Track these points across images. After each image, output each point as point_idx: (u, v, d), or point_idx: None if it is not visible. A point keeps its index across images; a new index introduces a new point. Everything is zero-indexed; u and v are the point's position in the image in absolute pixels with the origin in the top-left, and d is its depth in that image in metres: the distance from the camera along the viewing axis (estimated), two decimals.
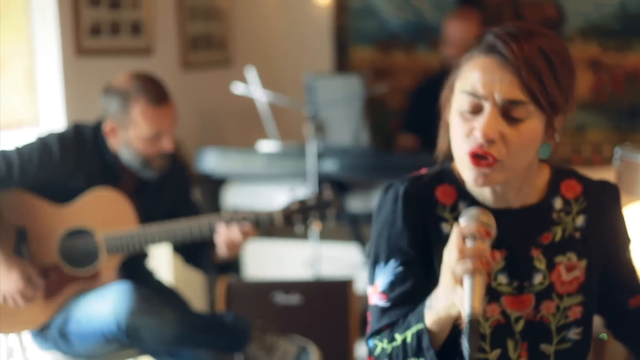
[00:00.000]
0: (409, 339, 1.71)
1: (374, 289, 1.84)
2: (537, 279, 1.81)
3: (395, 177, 4.19)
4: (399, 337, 1.74)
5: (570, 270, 1.82)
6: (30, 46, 3.90)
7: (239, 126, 5.32)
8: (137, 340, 2.94)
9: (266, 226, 3.10)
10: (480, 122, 1.67)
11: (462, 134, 1.70)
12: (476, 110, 1.68)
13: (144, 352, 3.12)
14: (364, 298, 4.28)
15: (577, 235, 1.84)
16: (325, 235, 4.23)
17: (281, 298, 3.72)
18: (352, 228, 4.26)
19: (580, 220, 1.85)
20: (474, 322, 1.52)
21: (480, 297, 1.55)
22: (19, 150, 2.99)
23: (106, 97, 3.11)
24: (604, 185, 1.90)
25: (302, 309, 3.71)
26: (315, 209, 3.09)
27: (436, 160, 1.89)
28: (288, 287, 3.73)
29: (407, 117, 4.88)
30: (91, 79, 4.10)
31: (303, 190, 3.97)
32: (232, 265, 3.36)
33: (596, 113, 5.01)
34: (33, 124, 3.90)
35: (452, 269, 1.59)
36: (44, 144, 3.05)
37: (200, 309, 4.13)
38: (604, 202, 1.88)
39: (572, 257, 1.83)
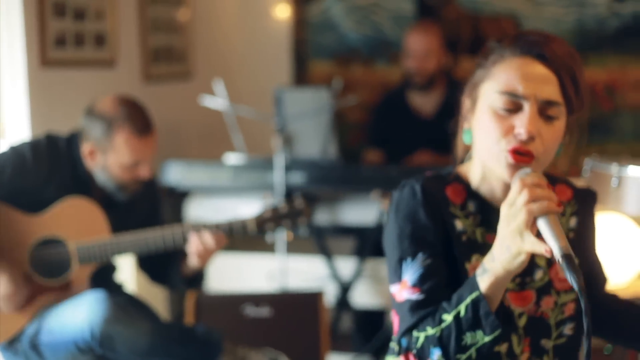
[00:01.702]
0: (462, 312, 1.71)
1: (401, 285, 1.85)
2: (538, 274, 1.90)
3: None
4: (449, 316, 1.73)
5: None
6: None
7: (203, 139, 5.31)
8: (110, 350, 2.91)
9: (239, 234, 3.10)
10: (522, 120, 1.74)
11: (498, 132, 1.76)
12: (513, 109, 1.76)
13: None
14: (333, 310, 4.30)
15: (571, 235, 1.97)
16: (291, 248, 4.23)
17: (251, 311, 3.71)
18: (318, 241, 4.26)
19: (573, 222, 1.98)
20: (568, 256, 1.53)
21: (562, 233, 1.57)
22: None
23: (89, 119, 3.09)
24: (588, 191, 2.05)
25: (272, 321, 3.71)
26: (287, 217, 3.11)
27: (455, 163, 1.97)
28: (258, 299, 3.72)
29: (372, 132, 4.91)
30: (55, 90, 4.06)
31: (276, 199, 3.98)
32: (201, 277, 3.34)
33: None
34: None
35: (526, 211, 1.59)
36: (16, 153, 3.03)
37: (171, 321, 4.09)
38: (589, 206, 2.02)
39: None
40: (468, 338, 1.71)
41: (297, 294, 3.80)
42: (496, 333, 1.68)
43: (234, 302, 3.73)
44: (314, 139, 4.22)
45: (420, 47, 4.58)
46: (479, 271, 1.70)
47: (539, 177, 1.65)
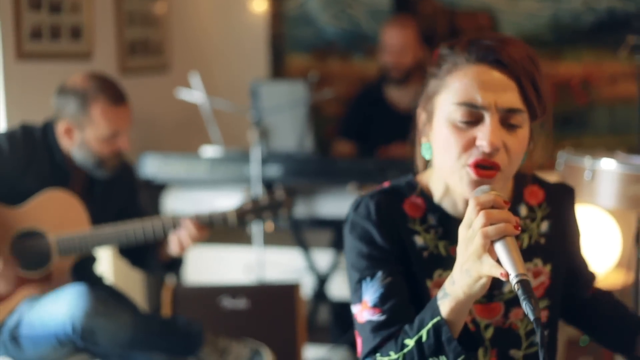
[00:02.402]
0: (424, 338, 1.62)
1: (362, 306, 1.78)
2: (507, 287, 1.83)
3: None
4: (411, 341, 1.65)
5: (536, 276, 1.87)
6: None
7: (179, 131, 5.30)
8: (91, 343, 2.91)
9: (219, 226, 3.11)
10: (483, 131, 1.65)
11: (459, 147, 1.67)
12: (473, 120, 1.67)
13: (96, 356, 3.09)
14: (310, 302, 4.31)
15: (542, 241, 1.89)
16: (268, 241, 4.25)
17: (228, 302, 3.72)
18: (295, 233, 4.28)
19: (544, 226, 1.90)
20: (523, 282, 1.44)
21: (519, 257, 1.48)
22: None
23: (62, 97, 3.09)
24: (563, 188, 1.96)
25: (249, 313, 3.72)
26: (268, 209, 3.12)
27: (416, 175, 1.89)
28: (234, 291, 3.73)
29: (344, 123, 4.93)
30: (32, 82, 4.05)
31: (256, 191, 3.99)
32: (179, 262, 3.36)
33: None
34: None
35: (481, 234, 1.50)
36: None
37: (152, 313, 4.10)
38: (564, 205, 1.93)
39: (538, 262, 1.87)
40: None
41: (274, 285, 3.81)
42: (460, 359, 1.61)
43: (211, 294, 3.73)
44: (291, 132, 4.24)
45: (396, 42, 4.61)
46: (439, 294, 1.62)
47: (496, 195, 1.55)
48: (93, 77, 3.13)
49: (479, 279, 1.53)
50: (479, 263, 1.51)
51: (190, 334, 3.11)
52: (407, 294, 1.77)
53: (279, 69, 5.49)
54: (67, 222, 3.06)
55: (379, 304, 1.75)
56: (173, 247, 3.08)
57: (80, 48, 4.40)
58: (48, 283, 3.04)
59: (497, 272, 1.48)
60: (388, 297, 1.75)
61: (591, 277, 2.02)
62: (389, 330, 1.73)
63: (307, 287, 4.29)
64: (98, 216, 3.14)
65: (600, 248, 4.02)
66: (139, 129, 4.93)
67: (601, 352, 3.86)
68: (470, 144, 1.66)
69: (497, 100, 1.65)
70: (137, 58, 4.95)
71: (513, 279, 1.46)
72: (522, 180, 1.90)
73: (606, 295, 2.03)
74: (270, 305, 3.73)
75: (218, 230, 3.25)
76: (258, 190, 4.00)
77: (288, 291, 3.74)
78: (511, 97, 1.65)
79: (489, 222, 1.51)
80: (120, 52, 4.77)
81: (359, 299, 1.80)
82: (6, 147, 3.02)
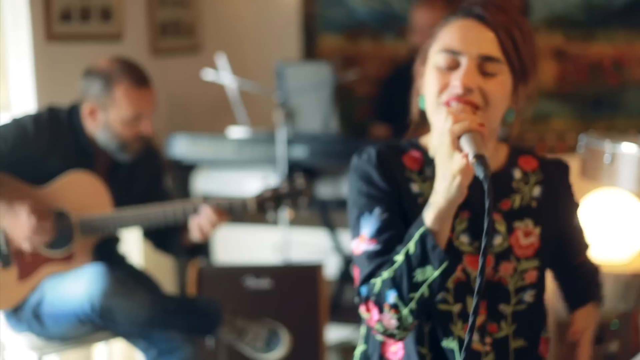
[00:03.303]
0: (411, 250, 1.75)
1: (360, 239, 1.89)
2: (497, 240, 1.93)
3: None
4: (399, 256, 1.77)
5: (527, 235, 1.96)
6: (1, 31, 3.90)
7: (209, 112, 5.34)
8: (110, 322, 2.97)
9: (239, 212, 3.14)
10: (457, 74, 1.81)
11: (437, 88, 1.83)
12: (453, 66, 1.82)
13: (116, 333, 3.16)
14: (334, 283, 4.34)
15: (534, 204, 1.99)
16: (295, 221, 4.28)
17: (252, 282, 3.76)
18: (322, 214, 4.31)
19: (536, 191, 2.00)
20: (479, 155, 1.60)
21: (480, 145, 1.63)
22: None
23: (87, 79, 3.14)
24: (558, 161, 2.08)
25: (273, 293, 3.75)
26: (287, 197, 3.14)
27: (409, 124, 2.01)
28: (258, 271, 3.77)
29: (378, 106, 4.93)
30: (61, 64, 4.11)
31: (276, 178, 4.02)
32: (201, 248, 3.40)
33: (560, 102, 5.10)
34: (4, 108, 3.90)
35: (448, 133, 1.66)
36: (18, 125, 3.08)
37: (174, 292, 4.16)
38: (558, 176, 2.05)
39: (529, 223, 1.97)
40: (419, 275, 1.74)
41: (297, 266, 3.84)
42: (444, 266, 1.72)
43: (235, 274, 3.77)
44: (316, 114, 4.26)
45: (425, 23, 4.59)
46: (425, 207, 1.75)
47: (464, 106, 1.74)
48: (118, 60, 3.18)
49: (454, 178, 1.67)
50: (450, 162, 1.67)
51: (208, 313, 3.15)
52: (403, 229, 1.85)
53: (311, 50, 5.50)
54: (90, 204, 3.11)
55: (376, 236, 1.86)
56: (194, 232, 3.12)
57: (111, 29, 4.45)
58: (70, 262, 3.10)
59: (464, 161, 1.64)
60: (384, 230, 1.86)
61: (583, 246, 2.15)
62: (383, 258, 1.84)
63: (333, 268, 4.32)
64: (121, 199, 3.18)
65: (626, 231, 3.98)
66: (168, 109, 4.98)
67: (630, 336, 3.83)
68: (446, 85, 1.82)
69: (474, 47, 1.81)
70: (168, 39, 4.99)
71: (471, 157, 1.61)
72: (518, 150, 2.04)
73: (589, 267, 2.19)
74: (294, 286, 3.77)
75: (241, 216, 3.28)
76: (282, 172, 4.03)
77: (311, 272, 3.77)
78: (488, 46, 1.81)
79: (455, 122, 1.68)
80: (151, 33, 4.81)
81: (357, 233, 1.91)
82: (32, 129, 3.07)
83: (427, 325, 1.90)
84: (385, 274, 1.78)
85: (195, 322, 3.14)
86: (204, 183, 4.49)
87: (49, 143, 3.09)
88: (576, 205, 2.09)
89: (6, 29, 3.91)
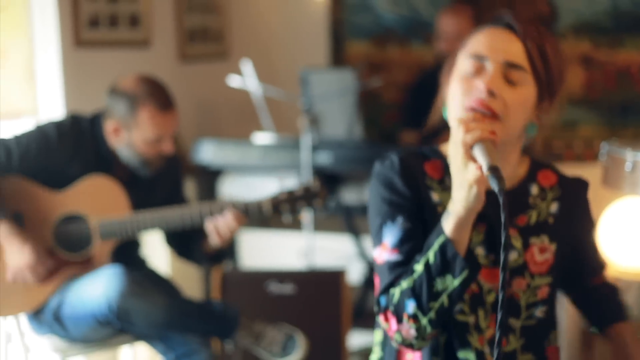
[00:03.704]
0: (431, 259, 1.75)
1: (382, 248, 1.89)
2: (513, 256, 1.93)
3: None
4: (419, 266, 1.77)
5: (542, 252, 1.95)
6: (29, 38, 3.96)
7: (235, 118, 5.38)
8: (128, 323, 3.01)
9: (255, 215, 3.16)
10: (482, 77, 1.80)
11: (461, 92, 1.82)
12: (479, 71, 1.82)
13: (135, 335, 3.19)
14: (356, 289, 4.36)
15: (550, 220, 1.98)
16: (319, 227, 4.30)
17: (275, 287, 3.78)
18: (346, 219, 4.32)
19: (554, 207, 1.99)
20: (493, 167, 1.60)
21: (493, 154, 1.64)
22: (17, 139, 3.07)
23: (113, 97, 3.18)
24: (577, 179, 2.07)
25: (295, 298, 3.77)
26: (302, 199, 3.16)
27: (426, 129, 2.01)
28: (282, 276, 3.79)
29: (405, 112, 4.94)
30: (89, 70, 4.16)
31: (292, 181, 4.04)
32: (224, 254, 3.42)
33: (588, 109, 5.08)
34: (32, 113, 3.96)
35: (461, 143, 1.67)
36: (41, 132, 3.13)
37: (197, 297, 4.19)
38: (576, 193, 2.04)
39: (545, 239, 1.96)
40: (438, 284, 1.75)
41: (320, 272, 3.85)
42: (464, 274, 1.72)
43: (259, 279, 3.80)
44: (341, 120, 4.27)
45: (451, 29, 4.59)
46: (444, 216, 1.76)
47: (476, 114, 1.75)
48: (144, 80, 3.20)
49: (471, 187, 1.68)
50: (465, 172, 1.67)
51: (226, 317, 3.17)
52: (424, 239, 1.86)
53: (338, 56, 5.52)
54: (108, 208, 3.15)
55: (398, 246, 1.87)
56: (212, 236, 3.14)
57: (139, 36, 4.50)
58: (89, 265, 3.14)
59: (478, 172, 1.64)
60: (406, 240, 1.86)
61: (599, 265, 2.12)
62: (404, 268, 1.84)
63: (357, 273, 4.33)
64: (141, 205, 3.22)
65: None
66: (196, 115, 5.02)
67: None
68: (470, 89, 1.81)
69: (500, 53, 1.81)
70: (197, 45, 5.04)
71: (485, 168, 1.61)
72: (538, 164, 2.03)
73: (608, 289, 2.13)
74: (316, 291, 3.78)
75: (257, 218, 3.30)
76: (307, 176, 4.05)
77: (334, 277, 3.78)
78: (514, 53, 1.81)
79: (467, 132, 1.68)
80: (179, 40, 4.86)
81: (379, 241, 1.91)
82: (54, 136, 3.12)
83: (443, 336, 1.90)
84: (405, 283, 1.79)
85: (213, 325, 3.16)
86: (230, 188, 4.52)
87: (70, 150, 3.14)
88: (593, 224, 2.08)
89: (35, 35, 3.97)
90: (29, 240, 3.01)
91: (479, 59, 1.81)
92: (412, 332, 1.79)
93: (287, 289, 3.77)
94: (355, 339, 4.26)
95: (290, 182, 3.30)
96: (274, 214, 3.17)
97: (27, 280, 3.05)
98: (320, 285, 3.80)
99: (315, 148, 4.16)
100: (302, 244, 4.33)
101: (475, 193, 1.67)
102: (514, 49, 1.80)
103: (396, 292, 1.80)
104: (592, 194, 2.11)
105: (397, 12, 5.35)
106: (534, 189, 1.99)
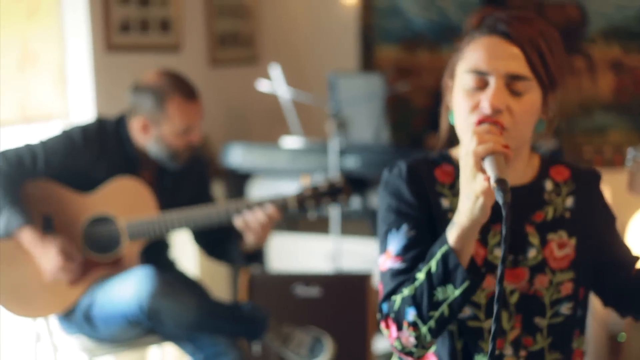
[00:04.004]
0: (433, 268, 1.74)
1: (386, 255, 1.88)
2: (531, 253, 1.91)
3: None
4: (421, 274, 1.76)
5: (561, 247, 1.93)
6: (61, 42, 4.02)
7: (264, 122, 5.41)
8: (158, 323, 3.04)
9: (280, 211, 3.18)
10: (486, 94, 1.78)
11: (467, 109, 1.80)
12: (481, 86, 1.80)
13: (164, 336, 3.22)
14: None
15: (567, 214, 1.96)
16: (346, 230, 4.32)
17: (301, 290, 3.80)
18: (373, 223, 4.33)
19: (569, 202, 1.97)
20: (500, 180, 1.59)
21: (502, 168, 1.63)
22: (43, 143, 3.12)
23: (138, 94, 3.22)
24: (590, 171, 2.04)
25: (322, 301, 3.79)
26: (327, 195, 3.19)
27: (437, 142, 2.01)
28: (308, 279, 3.81)
29: (434, 116, 4.93)
30: (120, 74, 4.21)
31: (316, 177, 4.06)
32: (257, 255, 3.43)
33: (618, 114, 5.06)
34: (63, 117, 4.01)
35: (472, 154, 1.66)
36: (67, 137, 3.17)
37: (225, 299, 4.23)
38: (590, 185, 2.01)
39: (563, 234, 1.94)
40: (439, 293, 1.73)
41: (346, 275, 3.87)
42: (465, 285, 1.71)
43: (285, 282, 3.82)
44: (368, 124, 4.29)
45: None
46: (449, 226, 1.74)
47: (490, 126, 1.72)
48: (166, 74, 3.25)
49: (477, 199, 1.66)
50: (474, 183, 1.66)
51: (254, 319, 3.20)
52: (429, 247, 1.85)
53: (368, 61, 5.54)
54: (136, 209, 3.19)
55: (401, 253, 1.85)
56: (247, 235, 3.17)
57: (169, 40, 4.55)
58: (118, 266, 3.18)
59: (485, 183, 1.63)
60: (410, 248, 1.85)
61: (633, 259, 2.03)
62: (406, 276, 1.82)
63: None
64: (167, 205, 3.25)
65: None
66: (225, 119, 5.07)
67: None
68: (476, 106, 1.80)
69: (501, 67, 1.78)
70: (227, 50, 5.08)
71: (492, 181, 1.60)
72: (549, 161, 2.02)
73: None
74: (342, 295, 3.80)
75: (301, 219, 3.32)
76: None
77: (360, 281, 3.79)
78: (516, 65, 1.79)
79: (480, 143, 1.67)
80: (209, 44, 4.90)
81: (384, 249, 1.90)
82: (80, 139, 3.17)
83: (460, 342, 1.89)
84: (406, 291, 1.78)
85: (241, 327, 3.19)
86: (258, 191, 4.55)
87: (96, 153, 3.18)
88: (612, 216, 2.03)
89: (67, 39, 4.03)
90: (52, 243, 3.05)
91: (480, 74, 1.79)
92: (412, 340, 1.78)
93: (314, 292, 3.79)
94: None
95: (316, 179, 3.31)
96: (300, 210, 3.19)
97: (61, 281, 3.09)
98: (347, 288, 3.81)
99: (343, 152, 4.18)
100: (329, 248, 4.35)
101: (481, 205, 1.66)
102: (513, 58, 1.78)
103: (397, 299, 1.80)
104: (619, 200, 2.08)
105: (427, 16, 5.36)
106: (548, 185, 1.97)
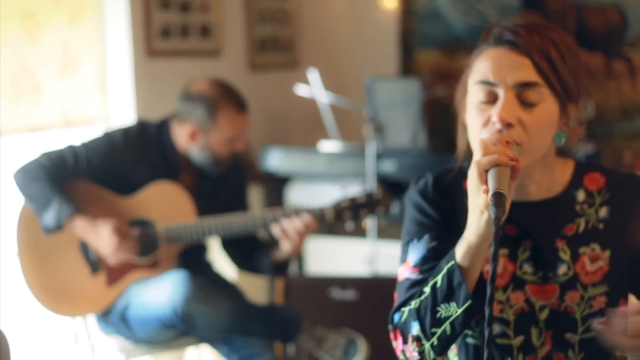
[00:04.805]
0: (439, 283, 1.69)
1: (405, 265, 1.85)
2: (562, 269, 1.84)
3: None
4: (427, 288, 1.72)
5: (594, 261, 1.86)
6: (102, 47, 4.08)
7: (303, 126, 5.44)
8: (192, 327, 3.09)
9: (318, 221, 3.21)
10: (496, 108, 1.72)
11: (479, 125, 1.74)
12: (491, 99, 1.74)
13: (199, 338, 3.26)
14: None
15: (601, 226, 1.88)
16: (383, 234, 4.33)
17: (337, 293, 3.82)
18: None
19: (603, 212, 1.89)
20: (497, 193, 1.53)
21: (504, 182, 1.55)
22: (85, 145, 3.18)
23: (189, 102, 3.27)
24: (629, 177, 1.94)
25: (357, 304, 3.80)
26: (365, 207, 3.20)
27: (457, 159, 1.94)
28: (344, 283, 3.83)
29: None
30: (160, 79, 4.27)
31: (354, 188, 4.07)
32: (285, 266, 3.45)
33: None
34: (104, 121, 4.08)
35: (476, 165, 1.59)
36: (109, 139, 3.23)
37: (261, 301, 4.26)
38: (628, 193, 1.91)
39: (596, 247, 1.86)
40: (442, 310, 1.69)
41: (382, 278, 3.88)
42: (467, 304, 1.65)
43: (322, 285, 3.84)
44: (405, 128, 4.30)
45: None
46: (459, 241, 1.69)
47: (499, 136, 1.65)
48: (218, 84, 3.30)
49: (482, 213, 1.60)
50: (478, 196, 1.59)
51: (288, 321, 3.23)
52: None
53: (408, 66, 5.54)
54: (174, 213, 3.24)
55: (420, 264, 1.82)
56: (281, 240, 3.19)
57: (210, 45, 4.60)
58: (155, 269, 3.23)
59: (484, 195, 1.56)
60: (429, 260, 1.81)
61: None
62: (420, 287, 1.77)
63: None
64: (205, 210, 3.30)
65: None
66: (265, 123, 5.10)
67: None
68: (487, 122, 1.74)
69: (509, 76, 1.72)
70: (267, 55, 5.12)
71: (490, 194, 1.54)
72: (584, 167, 1.93)
73: None
74: (378, 298, 3.80)
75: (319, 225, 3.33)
76: (372, 184, 4.09)
77: (395, 285, 3.79)
78: (524, 73, 1.72)
79: (485, 154, 1.59)
80: (249, 49, 4.95)
81: (404, 259, 1.87)
82: (121, 142, 3.22)
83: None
84: (413, 303, 1.74)
85: (275, 329, 3.22)
86: (297, 195, 4.58)
87: (137, 156, 3.23)
88: None
89: (108, 45, 4.09)
90: (106, 224, 3.08)
91: (489, 84, 1.73)
92: (415, 355, 1.74)
93: (349, 295, 3.81)
94: None
95: (354, 190, 3.32)
96: (337, 221, 3.21)
97: (122, 261, 3.14)
98: (383, 292, 3.79)
99: (380, 156, 4.20)
100: (366, 251, 4.37)
101: (486, 219, 1.60)
102: (522, 67, 1.72)
103: (405, 310, 1.76)
104: None
105: (467, 21, 5.36)
106: (581, 195, 1.89)
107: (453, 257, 1.68)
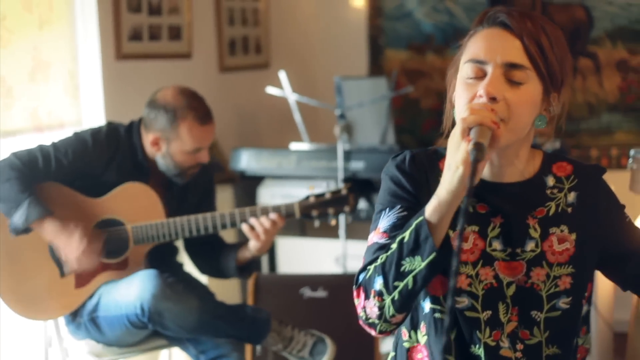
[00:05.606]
0: (406, 238, 1.75)
1: (375, 231, 1.90)
2: (530, 246, 1.91)
3: None
4: (394, 244, 1.77)
5: (561, 241, 1.92)
6: (73, 51, 4.09)
7: (274, 127, 5.47)
8: (160, 326, 3.09)
9: (285, 218, 3.24)
10: (483, 83, 1.80)
11: (466, 100, 1.82)
12: (479, 75, 1.82)
13: (167, 339, 3.28)
14: None
15: (569, 210, 1.95)
16: (353, 233, 4.37)
17: (308, 292, 3.84)
18: None
19: (571, 197, 1.96)
20: (478, 144, 1.64)
21: (486, 138, 1.67)
22: (54, 145, 3.19)
23: (153, 110, 3.28)
24: (594, 167, 2.02)
25: (328, 303, 3.82)
26: (331, 205, 3.24)
27: (441, 135, 1.99)
28: (315, 281, 3.85)
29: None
30: (131, 82, 4.28)
31: (322, 187, 4.11)
32: (253, 266, 3.48)
33: (624, 114, 5.09)
34: (76, 124, 4.09)
35: (461, 121, 1.69)
36: (78, 139, 3.24)
37: (232, 301, 4.28)
38: (593, 180, 1.99)
39: (565, 229, 1.93)
40: (407, 264, 1.74)
41: (353, 276, 3.90)
42: (431, 257, 1.72)
43: (292, 284, 3.86)
44: (374, 127, 4.34)
45: None
46: (431, 199, 1.76)
47: (485, 103, 1.75)
48: (183, 93, 3.30)
49: (457, 169, 1.68)
50: (457, 153, 1.69)
51: (256, 321, 3.24)
52: None
53: (377, 65, 5.57)
54: (144, 214, 3.25)
55: (389, 231, 1.87)
56: (252, 242, 3.23)
57: (180, 48, 4.62)
58: (125, 269, 3.24)
59: (466, 153, 1.66)
60: (398, 227, 1.85)
61: None
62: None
63: None
64: (175, 212, 3.31)
65: None
66: (235, 124, 5.13)
67: None
68: (474, 97, 1.81)
69: (497, 55, 1.81)
70: (237, 56, 5.15)
71: (471, 144, 1.65)
72: (552, 157, 2.01)
73: None
74: (349, 296, 3.80)
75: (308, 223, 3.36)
76: (340, 184, 4.13)
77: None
78: (513, 53, 1.81)
79: (473, 112, 1.71)
80: (219, 51, 4.97)
81: (374, 227, 1.92)
82: (90, 143, 3.23)
83: (454, 333, 1.91)
84: (379, 260, 1.80)
85: (243, 329, 3.23)
86: (268, 196, 4.61)
87: (106, 157, 3.24)
88: (617, 205, 2.01)
89: (78, 48, 4.11)
90: (75, 228, 3.08)
91: (479, 63, 1.82)
92: (375, 310, 1.80)
93: (321, 294, 3.83)
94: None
95: (314, 187, 3.36)
96: (304, 218, 3.25)
97: (88, 267, 3.14)
98: (352, 290, 3.84)
99: (350, 155, 4.24)
100: (336, 251, 4.40)
101: (460, 175, 1.68)
102: (512, 48, 1.80)
103: (371, 268, 1.82)
104: (625, 201, 2.02)
105: (436, 19, 5.40)
106: (550, 181, 1.96)
107: (422, 214, 1.74)
